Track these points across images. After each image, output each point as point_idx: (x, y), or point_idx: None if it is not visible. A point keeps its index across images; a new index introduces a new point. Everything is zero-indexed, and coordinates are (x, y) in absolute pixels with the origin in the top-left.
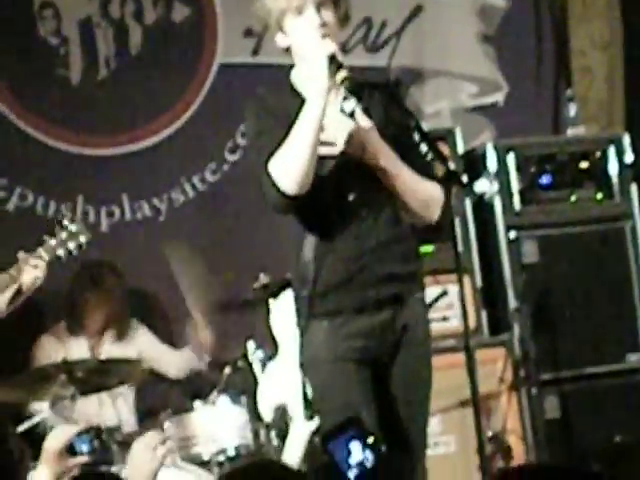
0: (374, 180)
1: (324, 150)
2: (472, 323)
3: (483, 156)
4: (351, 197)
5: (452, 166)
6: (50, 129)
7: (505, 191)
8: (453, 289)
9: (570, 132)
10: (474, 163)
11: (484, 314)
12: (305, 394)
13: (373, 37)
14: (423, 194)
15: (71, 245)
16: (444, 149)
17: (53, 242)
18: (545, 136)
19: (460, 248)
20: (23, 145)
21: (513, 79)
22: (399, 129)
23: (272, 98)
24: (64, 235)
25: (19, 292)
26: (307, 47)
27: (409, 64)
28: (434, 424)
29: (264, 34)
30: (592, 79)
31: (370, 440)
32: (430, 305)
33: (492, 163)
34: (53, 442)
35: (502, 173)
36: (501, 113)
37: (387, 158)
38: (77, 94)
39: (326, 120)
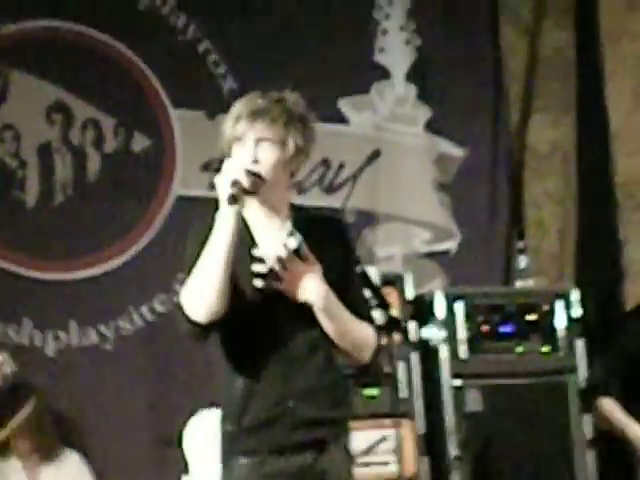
0: (309, 319)
1: (258, 267)
2: (412, 469)
3: (431, 303)
4: (284, 335)
5: (394, 313)
6: (0, 250)
7: (452, 339)
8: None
9: (519, 284)
10: (422, 309)
11: (425, 460)
12: None
13: (330, 179)
14: (357, 335)
15: None
16: (393, 294)
17: None
18: (495, 286)
19: (404, 393)
20: None
21: (466, 228)
22: (340, 267)
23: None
24: None
25: None
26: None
27: (364, 207)
28: None
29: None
30: (545, 232)
31: None
32: (368, 450)
33: (440, 310)
34: None
35: (450, 321)
36: (453, 261)
37: (325, 298)
38: (31, 217)
39: (266, 246)
